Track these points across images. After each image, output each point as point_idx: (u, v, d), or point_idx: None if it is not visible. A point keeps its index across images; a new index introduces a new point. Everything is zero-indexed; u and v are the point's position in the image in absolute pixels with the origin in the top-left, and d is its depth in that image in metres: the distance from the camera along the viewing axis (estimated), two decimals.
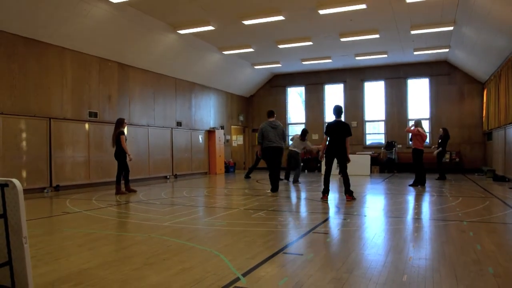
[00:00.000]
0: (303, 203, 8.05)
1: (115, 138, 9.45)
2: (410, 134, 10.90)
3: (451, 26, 11.91)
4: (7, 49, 9.21)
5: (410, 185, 10.82)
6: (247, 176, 14.26)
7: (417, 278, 3.19)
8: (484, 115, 15.99)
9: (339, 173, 8.13)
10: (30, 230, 4.87)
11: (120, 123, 9.54)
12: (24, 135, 9.54)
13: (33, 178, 9.73)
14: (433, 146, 13.39)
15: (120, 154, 9.47)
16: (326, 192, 8.03)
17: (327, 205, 7.36)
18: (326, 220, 5.95)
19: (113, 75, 12.24)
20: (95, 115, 11.51)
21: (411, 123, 15.75)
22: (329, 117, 18.57)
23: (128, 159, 9.50)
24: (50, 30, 9.81)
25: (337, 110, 8.20)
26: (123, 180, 9.74)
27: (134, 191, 9.83)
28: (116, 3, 9.90)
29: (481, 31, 11.19)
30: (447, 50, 14.85)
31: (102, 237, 4.88)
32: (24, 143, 9.54)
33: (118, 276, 3.30)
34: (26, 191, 8.96)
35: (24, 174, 9.52)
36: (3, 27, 9.04)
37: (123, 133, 9.51)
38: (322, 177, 8.32)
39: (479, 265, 3.51)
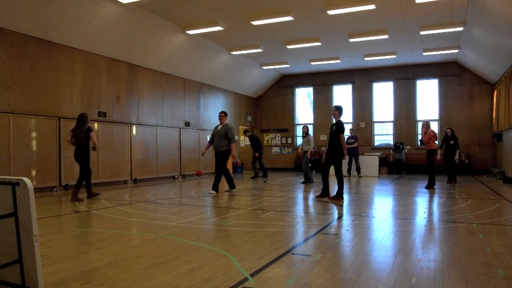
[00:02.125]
0: (311, 204, 8.03)
1: (83, 135, 8.13)
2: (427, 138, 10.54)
3: (461, 26, 11.81)
4: (18, 49, 9.31)
5: (426, 188, 10.60)
6: (265, 175, 14.86)
7: (426, 280, 3.17)
8: (494, 116, 15.83)
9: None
10: (39, 229, 4.90)
11: (85, 118, 8.31)
12: (34, 134, 9.63)
13: (42, 177, 9.82)
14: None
15: (85, 154, 8.28)
16: (341, 194, 8.00)
17: (335, 206, 7.34)
18: (334, 221, 5.93)
19: (122, 75, 12.31)
20: (104, 115, 11.58)
21: (419, 124, 15.66)
22: None
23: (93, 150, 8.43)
24: (60, 31, 9.90)
25: (342, 110, 8.17)
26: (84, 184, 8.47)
27: (97, 194, 8.70)
28: (125, 4, 9.96)
29: (491, 31, 11.08)
30: (456, 50, 14.73)
31: (110, 236, 4.91)
32: (34, 142, 9.63)
33: (126, 275, 3.32)
34: (35, 190, 9.02)
35: (33, 173, 9.62)
36: (14, 27, 9.13)
37: (92, 129, 8.40)
38: (338, 178, 8.15)
39: (489, 267, 3.48)
